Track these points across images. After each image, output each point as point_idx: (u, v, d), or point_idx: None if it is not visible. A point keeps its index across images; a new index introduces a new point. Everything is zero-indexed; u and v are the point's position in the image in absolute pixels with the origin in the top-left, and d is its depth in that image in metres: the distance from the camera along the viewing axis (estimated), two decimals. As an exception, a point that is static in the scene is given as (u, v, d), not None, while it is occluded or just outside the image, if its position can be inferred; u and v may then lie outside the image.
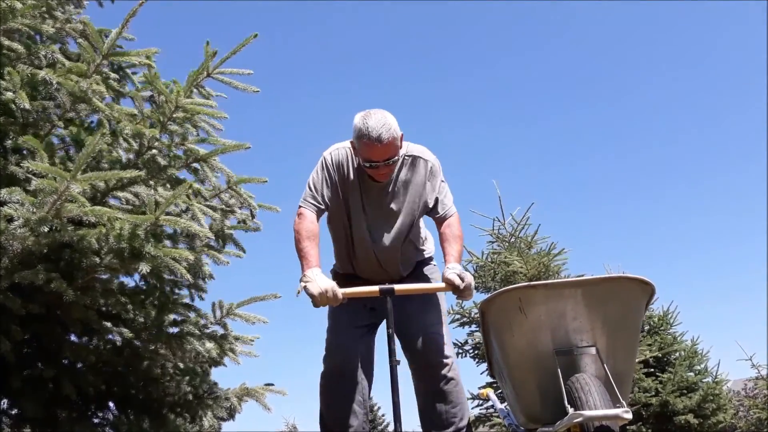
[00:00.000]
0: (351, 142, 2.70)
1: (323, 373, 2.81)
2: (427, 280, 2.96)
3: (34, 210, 2.75)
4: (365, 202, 2.75)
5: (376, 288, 2.56)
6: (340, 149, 2.77)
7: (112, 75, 3.64)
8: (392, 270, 2.85)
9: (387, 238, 2.78)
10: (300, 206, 2.72)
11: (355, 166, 2.74)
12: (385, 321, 2.70)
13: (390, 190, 2.76)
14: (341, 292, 2.48)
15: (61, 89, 3.23)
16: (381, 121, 2.54)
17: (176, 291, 4.00)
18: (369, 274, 2.84)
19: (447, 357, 2.81)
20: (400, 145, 2.66)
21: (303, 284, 2.50)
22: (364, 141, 2.56)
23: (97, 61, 3.33)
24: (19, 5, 3.29)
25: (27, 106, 3.06)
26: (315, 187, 2.72)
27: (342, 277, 2.90)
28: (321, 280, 2.48)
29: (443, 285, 2.60)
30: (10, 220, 2.79)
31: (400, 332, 2.67)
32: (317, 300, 2.46)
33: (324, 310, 2.91)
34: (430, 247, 3.05)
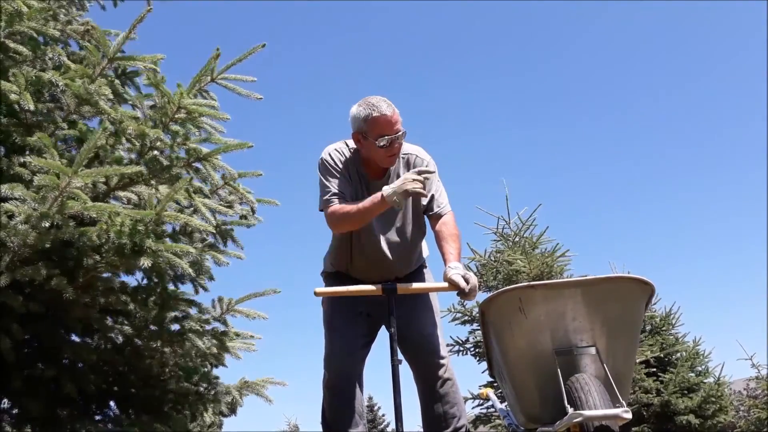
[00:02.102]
0: (353, 135, 2.69)
1: (326, 384, 2.80)
2: (422, 281, 2.94)
3: (36, 206, 2.76)
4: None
5: (378, 286, 2.56)
6: (337, 149, 2.77)
7: (115, 80, 3.65)
8: (391, 270, 2.83)
9: (389, 236, 2.78)
10: (327, 204, 2.66)
11: (354, 165, 2.74)
12: (383, 328, 2.72)
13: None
14: (342, 289, 2.47)
15: (67, 91, 3.24)
16: (380, 97, 2.63)
17: (179, 285, 4.00)
18: (363, 274, 2.83)
19: (443, 358, 2.82)
20: None
21: (393, 195, 2.49)
22: (374, 116, 2.59)
23: (103, 64, 3.35)
24: (25, 9, 3.30)
25: (32, 107, 3.07)
26: (331, 185, 2.68)
27: (334, 276, 2.90)
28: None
29: (446, 285, 2.58)
30: (11, 216, 2.79)
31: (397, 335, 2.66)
32: (408, 188, 2.46)
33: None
34: (425, 252, 3.04)
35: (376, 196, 2.54)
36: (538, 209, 7.15)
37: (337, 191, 2.66)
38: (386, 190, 2.51)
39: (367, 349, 2.86)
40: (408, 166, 2.78)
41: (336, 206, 2.62)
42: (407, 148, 2.80)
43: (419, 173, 2.50)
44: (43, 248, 2.85)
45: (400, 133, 2.62)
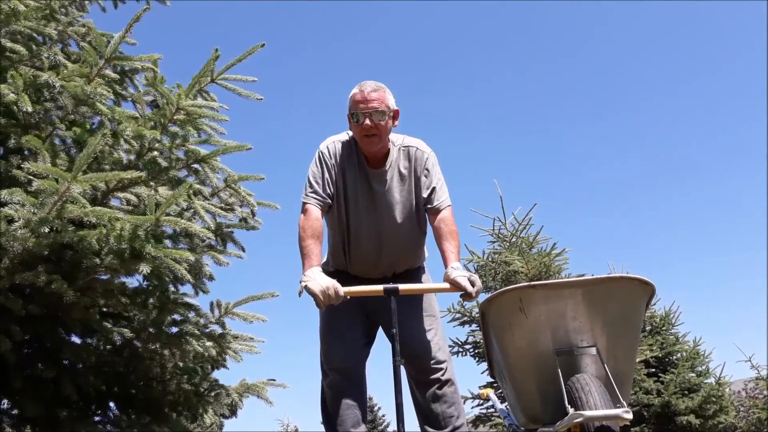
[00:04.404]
0: (347, 116, 2.71)
1: (330, 384, 2.78)
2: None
3: (35, 211, 2.75)
4: (364, 192, 2.75)
5: (380, 287, 2.53)
6: (336, 141, 2.79)
7: (114, 77, 3.65)
8: (388, 262, 2.82)
9: (386, 228, 2.76)
10: (304, 202, 2.70)
11: (354, 155, 2.75)
12: (380, 328, 2.71)
13: (388, 179, 2.75)
14: (343, 290, 2.46)
15: (64, 92, 3.24)
16: (373, 81, 2.69)
17: (179, 287, 4.00)
18: (362, 268, 2.82)
19: (442, 362, 2.80)
20: (391, 112, 2.69)
21: (303, 283, 2.48)
22: (353, 93, 2.67)
23: (100, 65, 3.34)
24: (22, 7, 3.30)
25: (29, 109, 3.07)
26: (316, 181, 2.72)
27: (334, 275, 2.89)
28: (321, 279, 2.47)
29: (447, 286, 2.56)
30: (10, 221, 2.79)
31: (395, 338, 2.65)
32: (319, 299, 2.43)
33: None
34: (425, 256, 3.04)
35: (309, 263, 2.55)
36: (534, 209, 7.16)
37: (317, 190, 2.70)
38: (309, 274, 2.49)
39: (367, 350, 2.86)
40: (408, 158, 2.77)
41: (305, 221, 2.65)
42: (408, 140, 2.80)
43: (337, 296, 2.45)
44: (43, 253, 2.84)
45: (369, 110, 2.61)
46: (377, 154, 2.74)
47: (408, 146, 2.79)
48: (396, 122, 2.74)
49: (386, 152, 2.76)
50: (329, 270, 2.93)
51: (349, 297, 2.50)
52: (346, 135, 2.80)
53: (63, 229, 2.81)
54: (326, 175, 2.72)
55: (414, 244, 2.89)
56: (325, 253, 2.98)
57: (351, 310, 2.78)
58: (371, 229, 2.76)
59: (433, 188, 2.77)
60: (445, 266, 2.62)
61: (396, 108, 2.72)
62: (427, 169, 2.78)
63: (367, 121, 2.62)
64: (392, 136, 2.78)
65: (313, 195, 2.70)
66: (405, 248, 2.86)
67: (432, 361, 2.78)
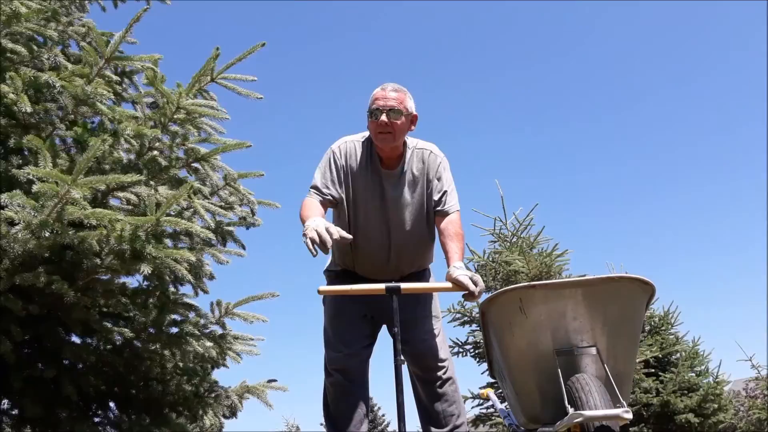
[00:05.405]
0: (367, 114, 2.71)
1: (333, 384, 2.79)
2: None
3: (35, 213, 2.76)
4: (375, 192, 2.75)
5: (381, 286, 2.52)
6: (349, 142, 2.80)
7: (115, 78, 3.65)
8: (395, 263, 2.82)
9: (395, 228, 2.77)
10: (305, 198, 2.72)
11: (367, 155, 2.76)
12: (383, 330, 2.70)
13: (401, 180, 2.76)
14: (347, 287, 2.49)
15: (64, 92, 3.24)
16: (395, 83, 2.73)
17: (179, 287, 4.00)
18: (369, 269, 2.83)
19: (443, 361, 2.83)
20: (410, 115, 2.71)
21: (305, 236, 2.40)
22: (374, 91, 2.71)
23: (100, 65, 3.35)
24: (24, 9, 3.30)
25: (28, 109, 3.07)
26: (321, 180, 2.74)
27: (340, 275, 2.90)
28: (319, 221, 2.41)
29: (449, 285, 2.56)
30: (11, 223, 2.79)
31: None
32: (314, 236, 2.34)
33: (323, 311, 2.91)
34: (432, 259, 3.04)
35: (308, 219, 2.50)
36: (535, 209, 7.16)
37: (318, 187, 2.72)
38: (308, 224, 2.43)
39: (369, 350, 2.86)
40: (422, 160, 2.79)
41: (307, 200, 2.68)
42: (422, 144, 2.83)
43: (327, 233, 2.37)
44: (43, 254, 2.84)
45: (387, 107, 2.64)
46: (391, 155, 2.76)
47: (422, 149, 2.81)
48: (413, 126, 2.77)
49: (400, 154, 2.78)
50: (336, 270, 2.94)
51: (342, 238, 2.42)
52: (361, 136, 2.82)
53: (63, 231, 2.81)
54: (333, 175, 2.74)
55: (422, 246, 2.90)
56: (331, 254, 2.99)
57: (354, 311, 2.80)
58: (380, 229, 2.77)
59: (444, 192, 2.79)
60: (448, 265, 2.62)
61: (415, 113, 2.74)
62: (440, 174, 2.80)
63: (383, 117, 2.64)
64: (407, 139, 2.80)
65: (314, 191, 2.73)
66: (413, 250, 2.86)
67: (436, 362, 2.82)
